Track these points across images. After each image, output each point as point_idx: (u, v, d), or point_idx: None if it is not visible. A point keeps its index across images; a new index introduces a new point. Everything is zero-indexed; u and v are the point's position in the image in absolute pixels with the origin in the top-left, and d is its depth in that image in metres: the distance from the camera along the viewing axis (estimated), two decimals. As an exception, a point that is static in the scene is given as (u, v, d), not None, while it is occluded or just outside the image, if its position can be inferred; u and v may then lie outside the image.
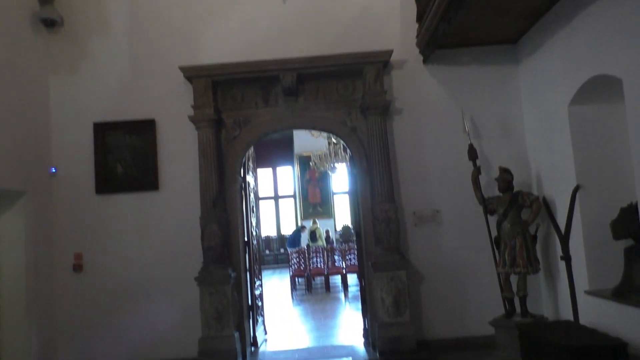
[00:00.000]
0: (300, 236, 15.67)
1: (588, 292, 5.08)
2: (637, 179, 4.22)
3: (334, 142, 14.89)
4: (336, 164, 15.63)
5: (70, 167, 6.32)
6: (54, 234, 6.21)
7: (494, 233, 5.91)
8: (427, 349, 5.87)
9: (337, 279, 12.53)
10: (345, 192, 19.17)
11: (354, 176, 6.73)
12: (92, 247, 6.24)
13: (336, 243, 16.09)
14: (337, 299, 10.75)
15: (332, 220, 18.24)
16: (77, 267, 6.18)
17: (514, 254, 5.61)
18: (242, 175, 6.59)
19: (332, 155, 15.30)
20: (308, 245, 14.70)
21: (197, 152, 6.10)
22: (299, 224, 16.97)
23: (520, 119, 6.36)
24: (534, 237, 5.73)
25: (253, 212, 7.08)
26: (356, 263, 12.04)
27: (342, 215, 18.99)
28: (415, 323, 5.95)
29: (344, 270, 11.69)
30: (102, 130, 6.23)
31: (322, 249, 12.71)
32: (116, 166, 6.21)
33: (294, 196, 18.34)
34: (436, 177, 6.36)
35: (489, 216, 5.99)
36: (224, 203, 6.16)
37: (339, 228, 18.43)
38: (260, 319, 6.97)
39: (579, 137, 5.25)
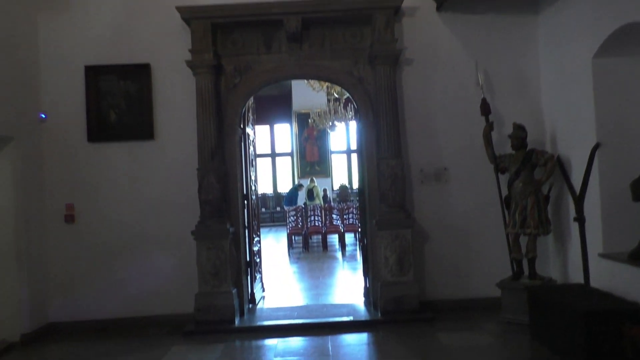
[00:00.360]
0: (297, 194, 15.45)
1: (602, 255, 4.89)
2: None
3: (334, 99, 14.51)
4: (336, 122, 15.29)
5: (60, 114, 5.96)
6: (44, 184, 5.92)
7: (504, 193, 5.69)
8: (430, 309, 5.71)
9: (334, 238, 12.39)
10: (343, 152, 18.90)
11: (359, 131, 6.43)
12: (84, 197, 5.96)
13: (333, 202, 15.90)
14: (335, 258, 10.62)
15: (330, 179, 18.02)
16: (69, 218, 5.92)
17: (525, 214, 5.40)
18: (241, 126, 6.27)
19: (332, 112, 14.93)
20: (305, 204, 14.53)
21: (195, 100, 5.75)
22: (296, 182, 16.73)
23: (537, 72, 6.03)
24: (547, 197, 5.50)
25: (252, 165, 6.80)
26: (355, 222, 11.91)
27: (340, 174, 18.78)
28: (418, 283, 5.77)
29: (342, 229, 11.53)
30: (94, 74, 5.84)
31: (319, 207, 12.52)
32: (109, 113, 5.86)
33: (291, 154, 18.05)
34: (445, 133, 6.07)
35: (499, 175, 5.75)
36: (223, 155, 5.87)
37: (336, 187, 18.24)
38: (258, 276, 6.79)
39: (602, 92, 4.94)
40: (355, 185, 18.82)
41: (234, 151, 6.05)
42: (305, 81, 10.89)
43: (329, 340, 5.10)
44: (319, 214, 11.91)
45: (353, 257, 10.48)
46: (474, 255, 5.97)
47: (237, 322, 5.65)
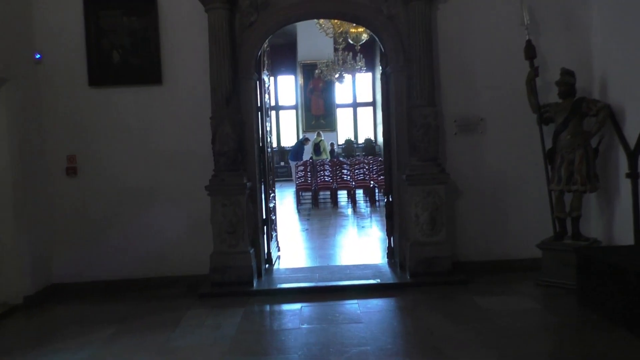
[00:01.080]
0: (303, 149, 14.93)
1: (659, 214, 4.46)
2: None
3: (342, 48, 13.77)
4: (344, 74, 14.59)
5: (58, 54, 5.35)
6: (43, 133, 5.38)
7: (547, 145, 5.20)
8: (462, 271, 5.32)
9: (342, 195, 11.95)
10: (349, 105, 18.25)
11: (386, 76, 5.85)
12: (86, 148, 5.43)
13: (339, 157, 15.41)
14: (346, 215, 10.22)
15: (335, 133, 17.45)
16: (71, 171, 5.42)
17: (572, 169, 4.92)
18: (257, 71, 5.68)
19: (341, 63, 14.22)
20: (312, 159, 14.04)
21: (207, 40, 5.14)
22: (302, 136, 16.16)
23: (588, 9, 5.41)
24: (596, 151, 5.02)
25: (268, 115, 6.25)
26: (366, 178, 11.46)
27: (345, 128, 18.21)
28: (450, 243, 5.35)
29: (352, 185, 11.08)
30: (95, 9, 5.20)
31: (329, 162, 12.03)
32: (112, 53, 5.24)
33: (295, 107, 17.40)
34: (483, 79, 5.51)
35: (543, 126, 5.24)
36: (239, 102, 5.31)
37: (341, 142, 17.71)
38: (274, 234, 6.36)
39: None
40: (361, 140, 18.31)
41: (250, 98, 5.49)
42: (318, 24, 10.13)
43: (357, 305, 4.70)
44: (329, 169, 11.43)
45: (365, 215, 10.08)
46: (511, 213, 5.53)
47: (255, 284, 5.24)
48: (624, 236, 4.91)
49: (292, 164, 14.31)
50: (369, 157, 15.01)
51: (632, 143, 4.78)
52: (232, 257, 5.17)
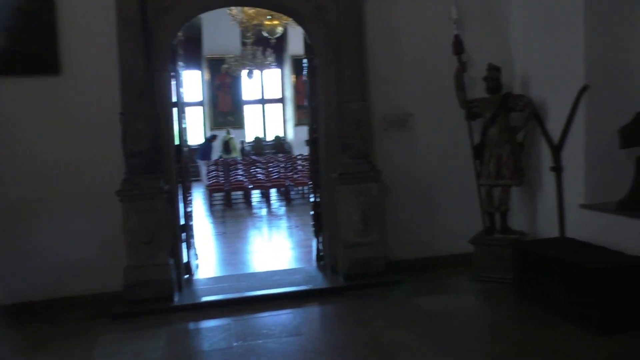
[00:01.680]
0: (211, 147, 14.23)
1: (584, 206, 4.57)
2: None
3: (252, 43, 13.29)
4: (254, 69, 14.11)
5: None
6: None
7: (476, 140, 5.20)
8: (395, 270, 5.17)
9: (256, 194, 11.51)
10: (257, 101, 17.75)
11: (312, 69, 5.55)
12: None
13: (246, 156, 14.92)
14: (262, 216, 9.82)
15: (243, 130, 16.90)
16: (-56, 178, 4.52)
17: (500, 163, 4.94)
18: (173, 62, 5.13)
19: (250, 57, 13.72)
20: (221, 157, 13.43)
21: (116, 23, 4.51)
22: (209, 133, 15.42)
23: (508, 5, 5.48)
24: (521, 146, 5.08)
25: (184, 111, 5.69)
26: (280, 177, 11.12)
27: (253, 125, 17.71)
28: (383, 243, 5.18)
29: (268, 184, 10.69)
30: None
31: (242, 161, 11.54)
32: (-5, 37, 4.44)
33: (202, 103, 16.60)
34: (411, 74, 5.38)
35: (471, 122, 5.23)
36: (153, 96, 4.73)
37: (249, 139, 17.20)
38: (192, 242, 5.82)
39: (593, 28, 4.50)
40: (270, 137, 17.91)
41: (166, 92, 4.93)
42: (230, 14, 9.58)
43: (293, 315, 4.36)
44: (242, 169, 10.95)
45: (281, 215, 9.75)
46: (442, 209, 5.47)
47: (176, 299, 4.71)
48: (547, 228, 5.03)
49: (201, 163, 13.61)
50: (280, 155, 14.70)
51: (554, 137, 4.90)
52: (150, 270, 4.60)
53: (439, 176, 5.46)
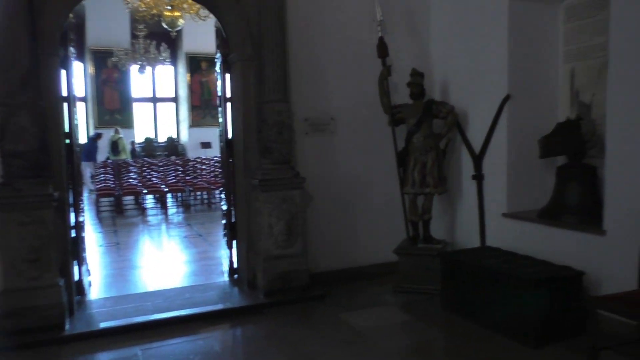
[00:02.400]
0: (96, 147, 12.98)
1: (507, 215, 4.61)
2: (610, 95, 3.65)
3: (144, 36, 12.33)
4: (146, 64, 13.10)
5: None
6: None
7: (400, 147, 5.06)
8: (318, 283, 4.86)
9: (150, 199, 10.63)
10: (148, 99, 16.58)
11: (227, 65, 5.07)
12: None
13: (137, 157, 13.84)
14: (159, 224, 9.02)
15: (132, 130, 15.70)
16: None
17: (425, 171, 4.84)
18: (64, 47, 4.37)
19: (142, 52, 12.72)
20: (109, 159, 12.28)
21: (-8, -4, 3.71)
22: (92, 132, 14.06)
23: (428, 12, 5.44)
24: (444, 153, 5.03)
25: (75, 105, 4.92)
26: (179, 182, 10.34)
27: (144, 125, 16.54)
28: (306, 254, 4.84)
29: (164, 189, 9.88)
30: None
31: (134, 162, 10.58)
32: None
33: (85, 99, 15.11)
34: (334, 76, 5.13)
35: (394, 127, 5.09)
36: (39, 86, 3.97)
37: (140, 140, 16.02)
38: (84, 256, 5.03)
39: (516, 38, 4.55)
40: (162, 139, 16.82)
41: (55, 81, 4.18)
42: (125, 1, 8.68)
43: (213, 339, 3.87)
44: (135, 172, 10.02)
45: (180, 223, 9.03)
46: (365, 217, 5.28)
47: (67, 326, 3.98)
48: (468, 237, 5.03)
49: (85, 164, 12.30)
50: (175, 158, 13.82)
51: (474, 144, 4.90)
52: (35, 294, 3.83)
53: (362, 183, 5.26)
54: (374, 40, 5.05)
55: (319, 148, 5.11)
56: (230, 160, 5.21)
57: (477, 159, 4.87)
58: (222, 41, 5.12)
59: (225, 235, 5.53)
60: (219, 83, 5.51)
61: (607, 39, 3.67)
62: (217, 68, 5.46)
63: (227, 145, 5.22)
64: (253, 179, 4.69)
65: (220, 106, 5.49)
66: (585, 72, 4.49)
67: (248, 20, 4.69)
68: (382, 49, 5.00)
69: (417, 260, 4.79)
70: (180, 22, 8.78)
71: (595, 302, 3.12)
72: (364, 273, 5.19)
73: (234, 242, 5.23)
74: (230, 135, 5.19)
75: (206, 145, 15.57)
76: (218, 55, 5.34)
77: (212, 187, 10.01)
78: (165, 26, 9.20)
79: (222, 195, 5.68)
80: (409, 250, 4.84)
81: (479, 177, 4.87)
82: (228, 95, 5.15)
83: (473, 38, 4.91)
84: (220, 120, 5.44)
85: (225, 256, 5.47)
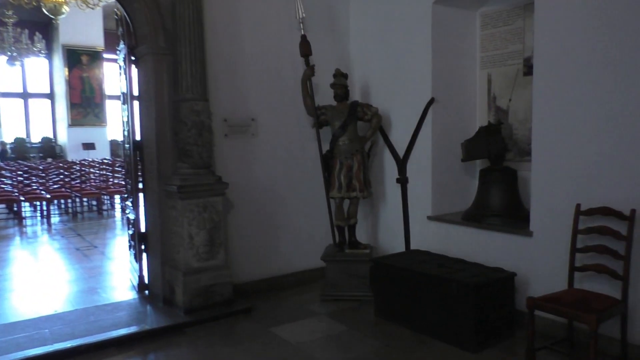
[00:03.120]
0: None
1: (432, 218, 4.65)
2: (536, 98, 3.80)
3: (11, 23, 10.96)
4: (16, 55, 11.65)
5: None
6: None
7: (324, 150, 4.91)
8: (242, 296, 4.54)
9: (26, 207, 9.44)
10: (17, 95, 14.80)
11: (135, 59, 4.56)
12: None
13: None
14: (40, 235, 8.02)
15: (0, 129, 13.94)
16: None
17: (351, 175, 4.73)
18: None
19: (12, 41, 11.28)
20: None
21: None
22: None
23: (347, 12, 5.36)
24: (368, 156, 4.97)
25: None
26: (63, 187, 9.28)
27: (13, 123, 14.77)
28: (228, 265, 4.49)
29: (46, 195, 8.79)
30: None
31: (6, 165, 9.31)
32: None
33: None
34: (254, 75, 4.83)
35: (318, 130, 4.92)
36: None
37: (9, 140, 14.28)
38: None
39: (440, 43, 4.60)
40: (36, 139, 15.13)
41: None
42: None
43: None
44: (10, 176, 8.81)
45: (68, 233, 8.09)
46: (289, 223, 5.05)
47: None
48: (393, 241, 5.02)
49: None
50: (52, 160, 12.48)
51: (397, 148, 4.89)
52: None
53: (285, 188, 5.03)
54: (296, 37, 4.85)
55: (239, 151, 4.79)
56: (139, 165, 4.70)
57: (402, 163, 4.87)
58: (127, 31, 4.61)
59: (132, 247, 4.99)
60: (121, 78, 4.97)
61: (533, 47, 3.80)
62: (121, 61, 4.92)
63: (135, 148, 4.70)
64: (169, 185, 4.25)
65: (124, 104, 4.96)
66: (502, 79, 4.67)
67: (160, 9, 4.24)
68: (305, 47, 4.81)
69: (344, 266, 4.66)
70: (65, 9, 7.84)
71: (533, 303, 3.18)
72: (289, 281, 4.98)
73: (145, 254, 4.72)
74: (138, 137, 4.67)
75: (89, 146, 14.28)
76: (122, 46, 4.81)
77: (103, 192, 9.12)
78: (46, 13, 8.15)
79: (128, 203, 5.11)
80: (337, 256, 4.69)
81: (403, 180, 4.86)
82: (135, 92, 4.64)
83: (395, 40, 4.90)
84: (125, 119, 4.92)
85: (134, 270, 4.93)
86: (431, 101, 4.58)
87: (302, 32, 4.83)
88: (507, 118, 4.64)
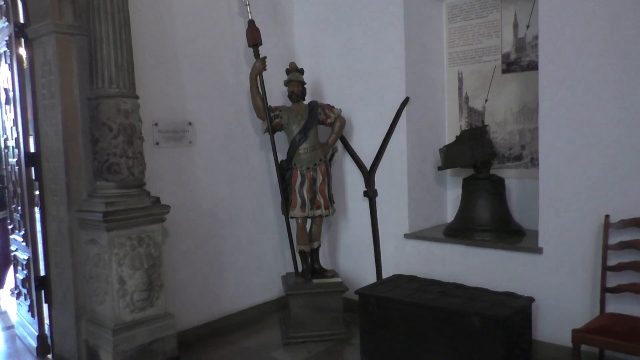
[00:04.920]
0: None
1: (411, 236, 4.01)
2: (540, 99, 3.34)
3: None
4: None
5: None
6: None
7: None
8: (185, 348, 3.52)
9: None
10: None
11: (26, 40, 3.35)
12: None
13: None
14: None
15: None
16: None
17: (315, 189, 3.93)
18: None
19: None
20: None
21: None
22: None
23: (290, 4, 4.58)
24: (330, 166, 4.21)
25: None
26: None
27: None
28: (170, 313, 3.44)
29: None
30: None
31: None
32: None
33: None
34: (191, 71, 3.86)
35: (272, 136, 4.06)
36: None
37: None
38: None
39: (412, 37, 4.01)
40: None
41: None
42: None
43: None
44: None
45: None
46: (235, 251, 4.12)
47: None
48: (354, 264, 4.34)
49: None
50: None
51: (361, 156, 4.22)
52: None
53: (230, 207, 4.10)
54: (238, 22, 3.97)
55: (174, 164, 3.77)
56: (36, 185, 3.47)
57: (369, 173, 4.18)
58: (13, 3, 3.39)
59: (24, 295, 3.71)
60: (4, 68, 3.70)
61: (539, 36, 3.33)
62: (3, 46, 3.65)
63: (29, 163, 3.46)
64: (87, 211, 3.12)
65: (8, 103, 3.70)
66: (475, 77, 4.21)
67: (69, -26, 3.12)
68: (253, 35, 3.95)
69: (311, 299, 3.83)
70: None
71: (580, 336, 2.67)
72: (240, 321, 4.09)
73: (46, 305, 3.49)
74: (32, 148, 3.45)
75: None
76: (6, 24, 3.54)
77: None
78: None
79: (17, 237, 3.81)
80: (304, 288, 3.85)
81: (372, 194, 4.18)
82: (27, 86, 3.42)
83: (356, 30, 4.21)
84: (11, 124, 3.65)
85: (30, 326, 3.65)
86: (406, 101, 3.97)
87: (250, 17, 3.96)
88: (483, 120, 4.18)
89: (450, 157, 3.94)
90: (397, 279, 3.72)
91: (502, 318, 2.89)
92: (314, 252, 4.08)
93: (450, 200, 4.37)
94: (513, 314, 2.98)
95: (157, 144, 3.66)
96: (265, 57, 3.94)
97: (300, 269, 4.02)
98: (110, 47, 3.11)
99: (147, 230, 3.22)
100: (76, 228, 3.25)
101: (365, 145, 4.22)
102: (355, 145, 4.29)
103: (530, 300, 3.21)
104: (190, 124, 3.84)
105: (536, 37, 3.80)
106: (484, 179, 3.83)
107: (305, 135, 3.91)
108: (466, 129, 4.03)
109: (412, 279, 3.70)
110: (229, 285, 4.05)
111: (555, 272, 3.28)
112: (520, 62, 3.96)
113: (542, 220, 3.34)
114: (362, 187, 4.23)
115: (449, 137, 4.32)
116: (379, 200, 4.18)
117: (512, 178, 3.98)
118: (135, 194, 3.20)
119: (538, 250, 3.35)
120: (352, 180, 4.34)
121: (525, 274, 3.41)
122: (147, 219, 3.21)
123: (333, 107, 4.08)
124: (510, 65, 4.01)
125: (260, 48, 4.01)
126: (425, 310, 3.16)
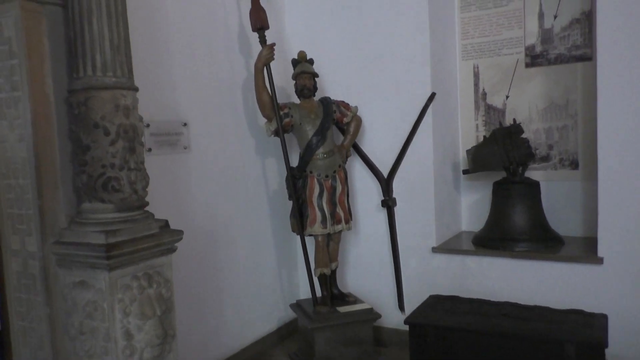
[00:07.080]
0: None
1: (439, 250, 3.56)
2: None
3: None
4: None
5: None
6: None
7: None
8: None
9: None
10: None
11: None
12: None
13: None
14: None
15: None
16: None
17: (335, 200, 3.35)
18: None
19: None
20: None
21: None
22: None
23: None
24: (344, 173, 3.64)
25: None
26: None
27: None
28: (175, 365, 2.69)
29: None
30: None
31: None
32: None
33: None
34: (186, 64, 3.10)
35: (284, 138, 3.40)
36: None
37: None
38: None
39: (436, 25, 3.57)
40: None
41: None
42: None
43: None
44: None
45: None
46: (239, 277, 3.39)
47: None
48: (366, 284, 3.80)
49: None
50: None
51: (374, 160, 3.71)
52: None
53: (231, 225, 3.38)
54: (242, 10, 3.28)
55: (167, 174, 2.99)
56: (-14, 209, 2.53)
57: (387, 181, 3.67)
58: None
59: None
60: None
61: (596, 35, 3.02)
62: None
63: (-21, 179, 2.52)
64: (73, 244, 2.28)
65: None
66: (494, 72, 3.86)
67: None
68: (259, 18, 3.26)
69: (340, 332, 3.24)
70: None
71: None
72: (253, 355, 3.34)
73: (5, 373, 2.57)
74: (-20, 158, 2.52)
75: None
76: None
77: None
78: None
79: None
80: (331, 320, 3.24)
81: (390, 203, 3.66)
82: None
83: (365, 14, 3.68)
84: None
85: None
86: (432, 97, 3.51)
87: (252, -3, 3.28)
88: (504, 118, 3.85)
89: (479, 159, 3.55)
90: (438, 301, 3.25)
91: (596, 343, 2.52)
92: (332, 275, 3.49)
93: (464, 206, 4.00)
94: (602, 337, 2.62)
95: (150, 150, 2.87)
96: (273, 44, 3.27)
97: (321, 294, 3.39)
98: (103, 21, 2.30)
99: (155, 265, 2.44)
100: (53, 267, 2.40)
101: (377, 147, 3.70)
102: (365, 148, 3.75)
103: (605, 317, 2.89)
104: (185, 124, 3.08)
105: (565, 29, 3.55)
106: (519, 182, 3.48)
107: (323, 136, 3.31)
108: (496, 128, 3.65)
109: (454, 299, 3.25)
110: (229, 321, 3.32)
111: (620, 283, 3.00)
112: (547, 55, 3.66)
113: (602, 228, 3.04)
114: (374, 196, 3.72)
115: (462, 136, 3.95)
116: (396, 210, 3.68)
117: (539, 180, 3.68)
118: (140, 217, 2.42)
119: (598, 261, 3.05)
120: (361, 188, 3.80)
121: (582, 287, 3.10)
122: (156, 250, 2.43)
123: (348, 104, 3.52)
124: (535, 59, 3.71)
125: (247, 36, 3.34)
126: (500, 340, 2.71)
